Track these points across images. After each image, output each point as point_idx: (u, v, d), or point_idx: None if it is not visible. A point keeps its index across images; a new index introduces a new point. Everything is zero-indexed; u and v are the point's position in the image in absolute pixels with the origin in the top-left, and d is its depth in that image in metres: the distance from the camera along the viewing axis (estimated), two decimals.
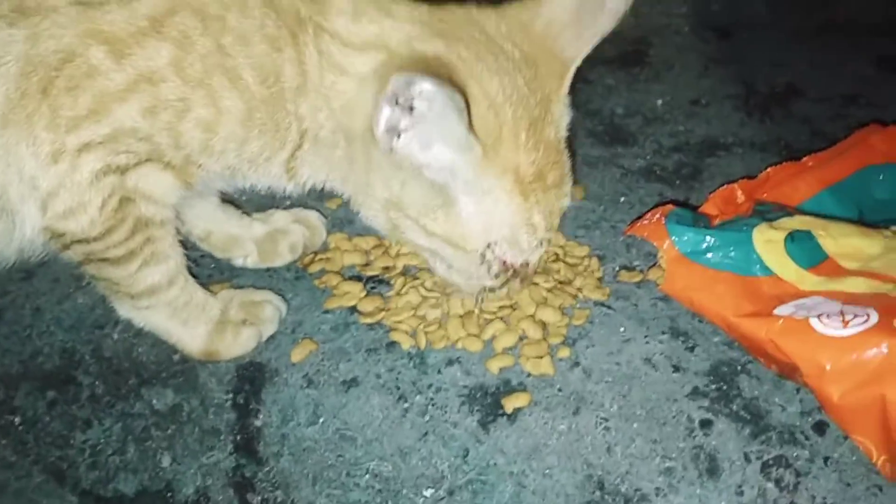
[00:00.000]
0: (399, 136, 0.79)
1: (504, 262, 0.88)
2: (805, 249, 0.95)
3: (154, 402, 0.98)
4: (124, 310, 0.96)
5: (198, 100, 0.81)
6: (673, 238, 1.00)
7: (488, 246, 0.87)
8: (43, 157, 0.79)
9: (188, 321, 0.96)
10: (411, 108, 0.76)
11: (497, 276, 0.90)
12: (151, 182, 0.85)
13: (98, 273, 0.90)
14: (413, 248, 0.97)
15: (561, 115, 0.88)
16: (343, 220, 1.19)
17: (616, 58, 1.63)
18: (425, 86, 0.72)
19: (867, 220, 1.05)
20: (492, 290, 0.93)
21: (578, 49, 0.88)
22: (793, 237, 0.95)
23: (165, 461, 0.95)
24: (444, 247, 0.88)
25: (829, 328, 0.82)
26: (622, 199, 1.22)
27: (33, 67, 0.77)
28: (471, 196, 0.84)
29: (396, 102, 0.75)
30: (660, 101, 1.49)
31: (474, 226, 0.85)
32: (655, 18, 1.79)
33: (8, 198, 0.82)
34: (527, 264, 0.91)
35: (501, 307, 0.99)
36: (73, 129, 0.79)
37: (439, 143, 0.79)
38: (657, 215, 1.05)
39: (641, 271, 1.06)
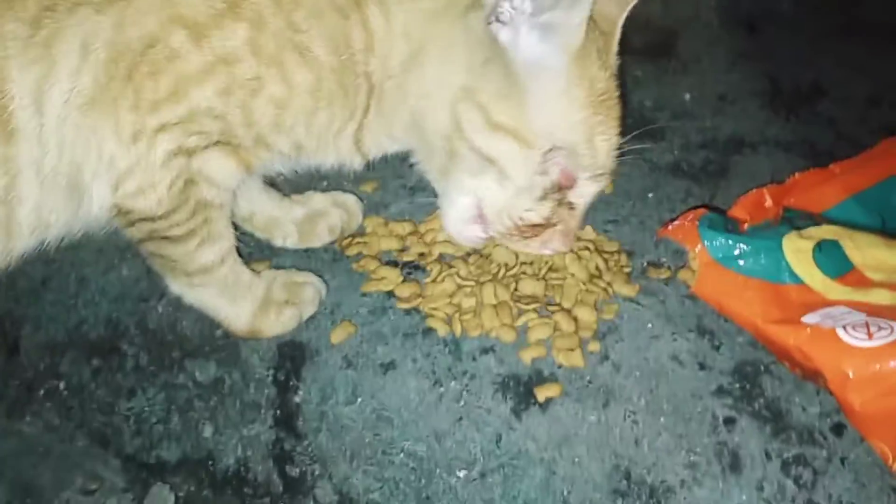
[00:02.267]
0: (504, 12, 0.81)
1: (559, 180, 0.89)
2: (832, 259, 0.98)
3: (197, 374, 1.01)
4: (177, 286, 0.99)
5: (270, 77, 0.85)
6: (705, 243, 1.03)
7: (551, 149, 0.87)
8: (124, 138, 0.83)
9: (235, 299, 1.00)
10: None
11: (548, 195, 0.90)
12: (215, 167, 0.89)
13: (157, 250, 0.94)
14: (463, 168, 0.91)
15: (614, 68, 0.92)
16: (379, 204, 1.22)
17: (644, 48, 1.65)
18: None
19: (890, 229, 1.08)
20: (534, 229, 0.93)
21: (621, 8, 0.92)
22: (820, 247, 0.99)
23: (207, 431, 0.99)
24: (504, 144, 0.86)
25: (854, 339, 0.86)
26: (650, 194, 1.25)
27: (119, 53, 0.80)
28: (550, 88, 0.85)
29: None
30: (687, 96, 1.51)
31: (544, 121, 0.86)
32: (684, 10, 1.81)
33: (81, 177, 0.85)
34: (572, 207, 0.93)
35: (532, 298, 1.02)
36: (154, 110, 0.83)
37: (553, 21, 0.81)
38: (689, 218, 1.09)
39: (669, 268, 1.10)
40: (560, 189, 0.90)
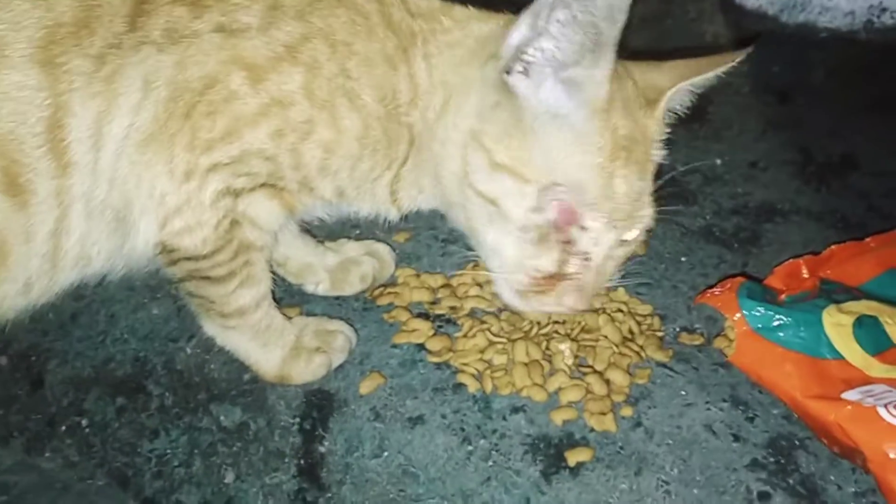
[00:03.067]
0: (521, 61, 0.83)
1: (557, 219, 0.86)
2: (872, 335, 0.97)
3: (222, 418, 1.01)
4: (211, 328, 0.99)
5: (321, 121, 0.87)
6: (744, 312, 1.03)
7: (549, 186, 0.85)
8: (177, 175, 0.85)
9: (267, 344, 0.99)
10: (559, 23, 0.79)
11: (550, 237, 0.87)
12: (259, 208, 0.90)
13: (196, 290, 0.94)
14: (472, 215, 0.92)
15: (654, 129, 0.94)
16: (411, 255, 1.22)
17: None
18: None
19: None
20: (548, 282, 0.90)
21: (672, 81, 0.93)
22: (861, 322, 0.98)
23: (229, 477, 0.98)
24: (503, 183, 0.86)
25: (895, 418, 0.85)
26: (683, 258, 1.25)
27: (180, 93, 0.82)
28: (564, 135, 0.85)
29: (533, 25, 0.81)
30: (719, 161, 1.51)
31: (546, 159, 0.85)
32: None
33: (130, 212, 0.86)
34: (587, 258, 0.88)
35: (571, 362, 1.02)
36: (208, 150, 0.84)
37: (576, 77, 0.82)
38: (728, 286, 1.08)
39: (702, 335, 1.09)
40: (562, 230, 0.87)
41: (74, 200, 0.83)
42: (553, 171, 0.85)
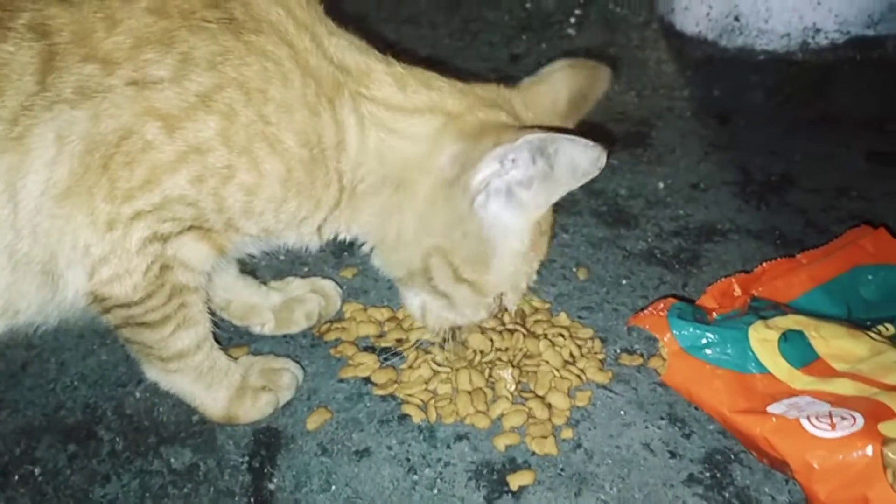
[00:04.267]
0: (488, 191, 0.93)
1: (496, 307, 1.04)
2: (797, 349, 1.00)
3: (172, 460, 1.02)
4: (153, 373, 1.01)
5: (241, 165, 0.88)
6: (674, 332, 1.06)
7: (502, 294, 1.02)
8: (99, 226, 0.86)
9: (211, 385, 1.01)
10: (532, 163, 0.90)
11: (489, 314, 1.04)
12: (189, 251, 0.92)
13: (133, 336, 0.95)
14: (421, 291, 1.04)
15: None
16: (358, 289, 1.24)
17: (620, 138, 1.71)
18: (566, 146, 0.87)
19: (855, 318, 1.11)
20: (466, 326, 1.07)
21: (572, 120, 1.04)
22: (786, 337, 1.01)
23: None
24: (464, 291, 1.00)
25: (818, 429, 0.88)
26: (624, 281, 1.28)
27: (95, 145, 0.83)
28: (511, 248, 0.98)
29: (501, 162, 0.90)
30: (661, 184, 1.56)
31: (500, 276, 1.00)
32: (658, 101, 1.88)
33: (56, 264, 0.87)
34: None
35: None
36: (128, 199, 0.85)
37: (535, 200, 0.94)
38: (659, 308, 1.11)
39: (641, 355, 1.12)
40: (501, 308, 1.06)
41: None
42: (503, 283, 1.01)
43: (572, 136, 0.87)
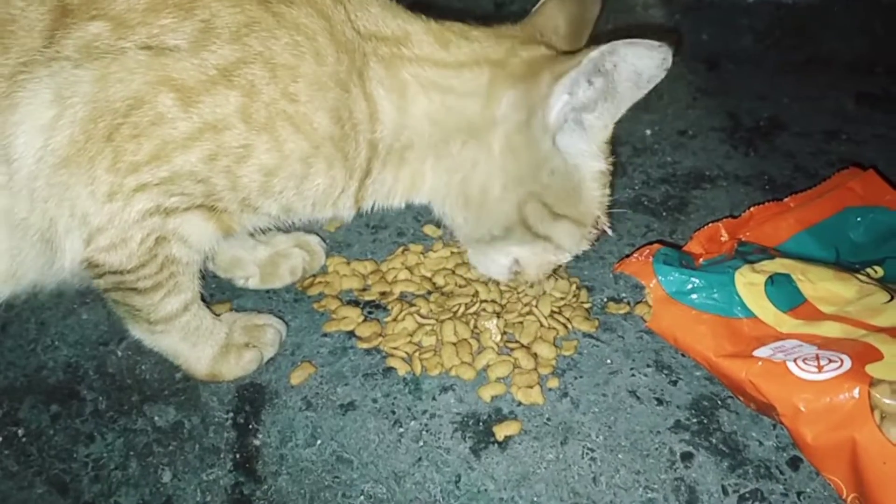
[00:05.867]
0: (563, 123, 0.90)
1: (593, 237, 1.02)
2: (784, 293, 0.99)
3: (156, 418, 1.01)
4: (138, 332, 0.99)
5: (260, 145, 0.84)
6: (659, 278, 1.05)
7: (597, 218, 1.00)
8: (99, 196, 0.82)
9: (197, 344, 1.00)
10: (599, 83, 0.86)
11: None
12: (192, 228, 0.89)
13: (122, 299, 0.94)
14: (518, 244, 1.01)
15: None
16: (342, 243, 1.23)
17: None
18: (626, 50, 0.82)
19: (843, 261, 1.10)
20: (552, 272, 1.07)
21: (578, 45, 0.99)
22: (773, 280, 1.00)
23: (166, 477, 0.98)
24: (565, 226, 0.98)
25: (805, 372, 0.87)
26: (610, 230, 1.26)
27: (100, 113, 0.79)
28: (596, 176, 0.97)
29: (570, 91, 0.87)
30: (649, 131, 1.54)
31: (594, 202, 0.98)
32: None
33: (55, 230, 0.85)
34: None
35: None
36: (133, 172, 0.82)
37: (602, 120, 0.91)
38: (644, 254, 1.10)
39: (628, 303, 1.11)
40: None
41: None
42: (597, 207, 0.99)
43: (633, 41, 0.82)
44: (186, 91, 0.80)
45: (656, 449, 0.93)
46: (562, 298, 1.09)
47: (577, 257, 1.19)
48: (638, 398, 0.98)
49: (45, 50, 0.78)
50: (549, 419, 0.96)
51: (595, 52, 0.82)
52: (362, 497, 0.92)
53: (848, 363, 0.86)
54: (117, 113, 0.79)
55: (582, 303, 1.10)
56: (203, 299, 1.02)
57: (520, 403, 0.97)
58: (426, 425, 0.96)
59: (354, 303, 1.11)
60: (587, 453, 0.93)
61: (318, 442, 0.96)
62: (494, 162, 0.93)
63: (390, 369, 1.02)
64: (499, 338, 1.03)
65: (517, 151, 0.93)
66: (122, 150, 0.81)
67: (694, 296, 1.02)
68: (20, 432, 1.02)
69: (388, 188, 0.97)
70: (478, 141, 0.93)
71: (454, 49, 0.93)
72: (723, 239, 1.12)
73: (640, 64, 0.83)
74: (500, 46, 0.93)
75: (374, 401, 0.99)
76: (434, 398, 0.99)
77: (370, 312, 1.10)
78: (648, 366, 1.02)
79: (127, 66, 0.79)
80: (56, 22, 0.78)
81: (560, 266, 1.08)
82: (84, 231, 0.85)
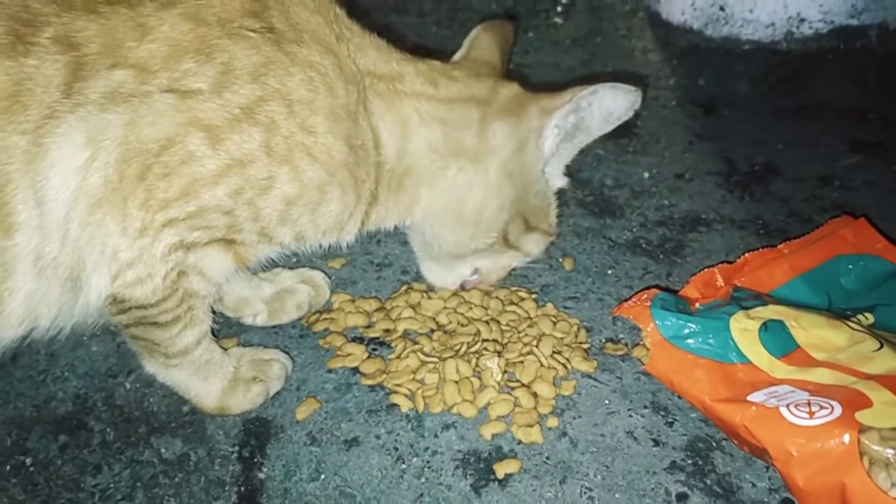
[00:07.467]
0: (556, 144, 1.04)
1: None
2: (778, 339, 1.02)
3: (163, 450, 1.03)
4: (153, 367, 1.02)
5: (282, 176, 0.89)
6: (657, 322, 1.08)
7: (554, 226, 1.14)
8: (130, 232, 0.85)
9: (207, 378, 1.03)
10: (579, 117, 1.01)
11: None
12: (210, 261, 0.93)
13: (142, 334, 0.97)
14: (485, 254, 1.12)
15: None
16: (346, 280, 1.26)
17: None
18: (606, 91, 0.98)
19: (835, 308, 1.13)
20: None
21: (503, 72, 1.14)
22: (767, 326, 1.03)
23: None
24: (534, 237, 1.11)
25: (797, 417, 0.90)
26: (609, 271, 1.30)
27: (133, 154, 0.82)
28: (552, 193, 1.11)
29: (558, 125, 1.01)
30: (646, 174, 1.57)
31: (553, 214, 1.13)
32: (644, 91, 1.89)
33: (83, 267, 0.87)
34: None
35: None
36: (163, 208, 0.86)
37: (571, 151, 1.09)
38: (642, 298, 1.13)
39: (626, 345, 1.14)
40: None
41: (20, 261, 0.83)
42: (554, 217, 1.13)
43: (614, 84, 0.97)
44: (214, 130, 0.84)
45: (652, 489, 0.95)
46: (562, 338, 1.12)
47: (575, 297, 1.23)
48: (635, 438, 1.01)
49: (66, 101, 0.80)
50: (548, 458, 0.98)
51: (585, 91, 0.97)
52: None
53: (838, 410, 0.89)
54: (150, 153, 0.83)
55: (581, 343, 1.13)
56: (213, 333, 1.04)
57: (520, 442, 1.00)
58: (428, 462, 0.98)
59: (359, 339, 1.14)
60: (585, 492, 0.95)
61: (322, 477, 0.98)
62: (490, 186, 1.04)
63: (393, 406, 1.04)
64: (500, 376, 1.06)
65: (512, 176, 1.04)
66: (153, 189, 0.84)
67: (690, 340, 1.05)
68: (28, 461, 1.03)
69: (387, 211, 1.04)
70: (474, 167, 1.03)
71: (443, 87, 1.03)
72: (718, 284, 1.15)
73: (614, 105, 0.99)
74: (482, 84, 1.05)
75: (378, 437, 1.01)
76: (436, 435, 1.01)
77: (374, 349, 1.13)
78: (645, 407, 1.05)
79: (155, 109, 0.82)
80: (72, 76, 0.81)
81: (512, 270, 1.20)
82: (113, 267, 0.87)
